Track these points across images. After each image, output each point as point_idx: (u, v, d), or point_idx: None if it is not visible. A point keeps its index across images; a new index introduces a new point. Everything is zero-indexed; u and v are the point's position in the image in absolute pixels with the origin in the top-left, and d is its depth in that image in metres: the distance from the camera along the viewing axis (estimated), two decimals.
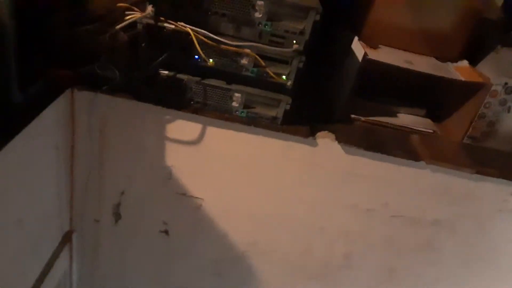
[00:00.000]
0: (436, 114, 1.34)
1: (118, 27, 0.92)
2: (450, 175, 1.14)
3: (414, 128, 1.25)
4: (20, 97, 0.86)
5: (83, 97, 1.03)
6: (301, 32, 0.97)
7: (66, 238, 1.25)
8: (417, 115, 1.34)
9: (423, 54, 1.23)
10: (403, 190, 1.18)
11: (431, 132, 1.26)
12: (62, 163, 1.11)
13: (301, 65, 1.00)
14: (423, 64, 1.19)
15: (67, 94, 1.01)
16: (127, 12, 0.95)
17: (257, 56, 0.98)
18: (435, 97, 1.35)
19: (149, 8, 0.93)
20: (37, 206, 1.04)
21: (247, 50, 0.98)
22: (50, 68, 0.95)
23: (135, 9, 0.94)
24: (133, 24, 0.97)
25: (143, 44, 0.95)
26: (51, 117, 1.00)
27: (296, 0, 0.94)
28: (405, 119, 1.30)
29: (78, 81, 1.01)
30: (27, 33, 0.88)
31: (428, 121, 1.32)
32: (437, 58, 1.24)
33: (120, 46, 1.03)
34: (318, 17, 0.95)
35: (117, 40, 1.03)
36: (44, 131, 1.00)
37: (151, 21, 0.94)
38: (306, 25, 0.96)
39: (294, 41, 0.98)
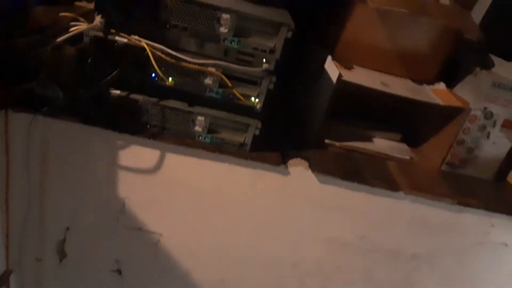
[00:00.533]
0: (413, 138, 1.27)
1: (60, 39, 0.79)
2: (429, 206, 1.07)
3: (391, 154, 1.18)
4: None
5: (19, 119, 0.89)
6: (271, 50, 0.87)
7: (3, 280, 1.09)
8: (393, 140, 1.26)
9: (399, 76, 1.17)
10: (380, 222, 1.09)
11: (408, 159, 1.19)
12: None
13: (271, 86, 0.90)
14: (399, 86, 1.12)
15: (0, 115, 0.87)
16: (72, 24, 0.82)
17: (222, 76, 0.88)
18: (411, 121, 1.28)
19: (98, 19, 0.81)
20: None
21: (212, 69, 0.87)
22: None
23: (82, 20, 0.82)
24: (82, 37, 0.84)
25: (89, 60, 0.82)
26: None
27: (266, 14, 0.85)
28: (381, 144, 1.22)
29: (13, 101, 0.87)
30: None
31: (404, 146, 1.25)
32: (413, 80, 1.18)
33: (65, 61, 0.90)
34: (290, 34, 0.86)
35: (61, 54, 0.89)
36: None
37: (100, 34, 0.82)
38: (277, 43, 0.87)
39: (264, 60, 0.89)
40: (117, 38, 0.83)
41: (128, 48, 0.83)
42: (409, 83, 1.17)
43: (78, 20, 0.82)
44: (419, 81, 1.19)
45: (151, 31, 0.83)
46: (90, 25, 0.80)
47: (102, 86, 0.85)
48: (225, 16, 0.83)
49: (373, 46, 1.11)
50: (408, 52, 1.14)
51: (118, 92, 0.88)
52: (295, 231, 1.08)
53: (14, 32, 0.84)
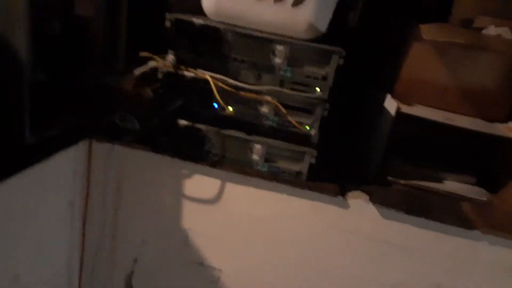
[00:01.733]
0: (489, 183, 1.17)
1: (137, 72, 0.92)
2: None
3: (465, 195, 1.09)
4: (31, 139, 0.85)
5: (100, 148, 1.00)
6: (324, 78, 0.92)
7: None
8: (466, 183, 1.18)
9: (466, 114, 1.13)
10: (456, 266, 0.98)
11: (485, 201, 1.09)
12: (76, 222, 1.05)
13: (325, 113, 0.93)
14: (466, 122, 1.08)
15: (85, 144, 1.00)
16: (149, 62, 0.96)
17: (277, 104, 0.93)
18: (486, 163, 1.20)
19: (170, 57, 0.93)
20: (40, 268, 0.96)
21: (268, 97, 0.94)
22: (69, 115, 0.95)
23: (157, 58, 0.95)
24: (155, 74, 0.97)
25: (161, 91, 0.94)
26: (67, 169, 0.97)
27: (317, 44, 0.91)
28: (453, 185, 1.14)
29: (97, 131, 0.99)
30: (51, 79, 0.91)
31: (481, 189, 1.16)
32: (482, 119, 1.13)
33: (143, 99, 1.03)
34: (341, 61, 0.90)
35: (141, 95, 1.03)
36: (58, 184, 0.96)
37: (172, 70, 0.94)
38: (329, 70, 0.92)
39: (317, 88, 0.93)
40: (185, 73, 0.94)
41: (194, 81, 0.94)
42: (478, 121, 1.12)
43: (154, 59, 0.95)
44: (489, 120, 1.13)
45: (214, 65, 0.94)
46: (163, 62, 0.93)
47: (168, 114, 0.95)
48: (279, 47, 0.91)
49: (433, 83, 1.11)
50: (473, 89, 1.11)
51: (185, 122, 0.97)
52: (356, 271, 1.01)
53: (105, 72, 1.00)
